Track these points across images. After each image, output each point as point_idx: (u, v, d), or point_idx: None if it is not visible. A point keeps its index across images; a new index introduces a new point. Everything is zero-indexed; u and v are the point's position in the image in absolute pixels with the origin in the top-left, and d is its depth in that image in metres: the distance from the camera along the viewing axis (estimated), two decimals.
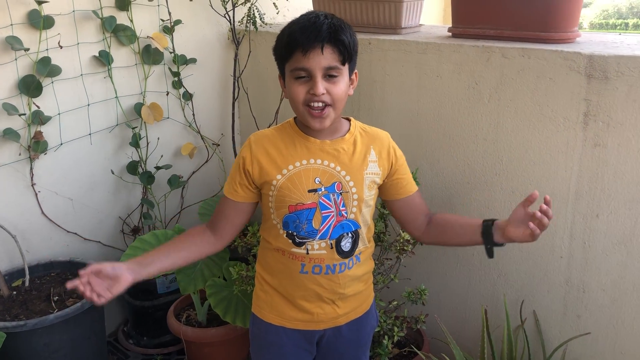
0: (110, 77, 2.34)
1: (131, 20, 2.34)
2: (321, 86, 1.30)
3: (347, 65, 1.34)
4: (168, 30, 2.45)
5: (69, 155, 2.29)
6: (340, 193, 1.40)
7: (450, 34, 2.13)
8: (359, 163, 1.42)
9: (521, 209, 1.36)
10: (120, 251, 2.52)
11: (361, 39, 2.23)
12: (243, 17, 2.55)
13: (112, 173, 2.43)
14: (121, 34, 2.32)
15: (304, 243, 1.42)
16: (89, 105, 2.30)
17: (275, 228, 1.45)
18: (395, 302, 1.98)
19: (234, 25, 2.61)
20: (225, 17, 2.58)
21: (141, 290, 2.38)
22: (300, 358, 1.54)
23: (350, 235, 1.43)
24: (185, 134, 2.67)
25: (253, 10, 2.51)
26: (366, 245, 1.50)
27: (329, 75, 1.32)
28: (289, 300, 1.49)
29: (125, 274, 1.28)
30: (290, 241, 1.43)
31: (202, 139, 2.71)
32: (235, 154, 2.80)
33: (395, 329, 1.98)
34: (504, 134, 1.91)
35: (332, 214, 1.40)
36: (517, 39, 1.91)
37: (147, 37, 2.39)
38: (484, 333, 1.89)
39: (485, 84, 1.92)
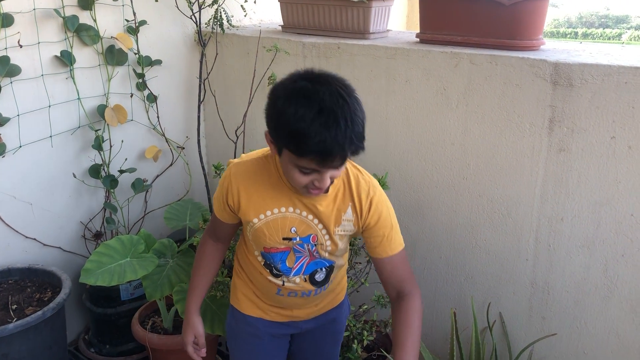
0: (73, 78, 2.27)
1: (94, 20, 2.28)
2: (328, 181, 1.22)
3: None
4: (132, 30, 2.39)
5: (29, 158, 2.21)
6: (315, 244, 1.39)
7: (418, 39, 2.15)
8: (335, 219, 1.36)
9: None
10: (82, 257, 2.45)
11: (330, 43, 2.24)
12: (210, 19, 2.51)
13: (74, 176, 2.35)
14: (84, 33, 2.26)
15: (280, 275, 1.44)
16: (50, 106, 2.23)
17: (254, 255, 1.47)
18: (365, 306, 1.99)
19: (200, 27, 2.57)
20: (191, 18, 2.54)
21: (103, 297, 2.31)
22: (278, 346, 1.58)
23: (324, 269, 1.45)
24: (150, 136, 2.62)
25: (220, 12, 2.48)
26: (340, 266, 1.51)
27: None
28: (267, 303, 1.52)
29: (200, 326, 1.58)
30: (268, 271, 1.45)
31: (167, 142, 2.66)
32: (201, 158, 2.75)
33: (365, 332, 1.98)
34: (472, 139, 1.94)
35: (306, 257, 1.41)
36: (484, 45, 1.95)
37: (111, 37, 2.34)
38: (452, 335, 1.91)
39: (453, 89, 1.95)
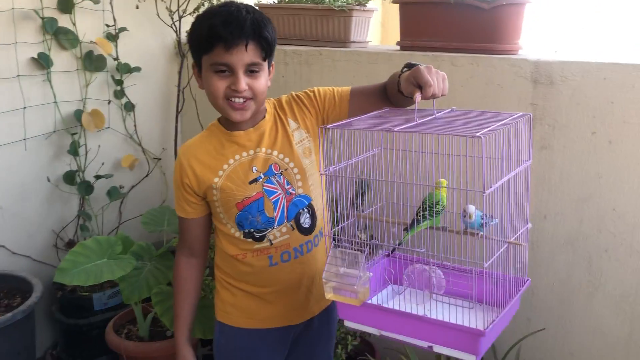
0: (49, 81, 2.23)
1: (74, 24, 2.25)
2: (243, 82, 1.28)
3: (267, 60, 1.34)
4: (112, 37, 2.37)
5: (1, 161, 2.15)
6: (280, 173, 1.38)
7: (398, 47, 2.18)
8: (285, 138, 1.40)
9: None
10: (52, 267, 2.35)
11: (312, 50, 2.26)
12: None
13: (48, 181, 2.28)
14: (63, 37, 2.23)
15: (264, 236, 1.38)
16: (25, 108, 2.18)
17: (230, 234, 1.41)
18: None
19: (179, 36, 2.57)
20: (171, 27, 2.54)
21: (75, 307, 2.22)
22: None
23: (306, 210, 1.41)
24: (126, 146, 2.57)
25: None
26: (322, 217, 1.47)
27: (250, 70, 1.30)
28: (261, 297, 1.43)
29: (190, 356, 1.49)
30: (250, 239, 1.39)
31: (144, 151, 2.62)
32: None
33: (349, 337, 1.94)
34: (454, 141, 1.96)
35: (280, 196, 1.38)
36: (465, 50, 1.98)
37: (91, 42, 2.31)
38: None
39: None
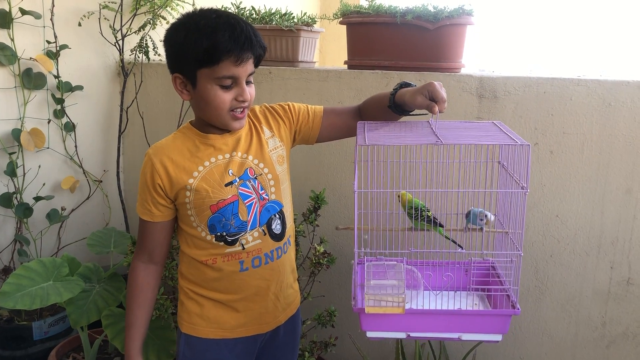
0: None
1: (12, 40, 2.17)
2: (248, 92, 1.30)
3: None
4: (53, 55, 2.30)
5: None
6: (255, 177, 1.38)
7: (346, 67, 2.24)
8: (260, 145, 1.41)
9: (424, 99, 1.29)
10: None
11: (261, 69, 2.27)
12: (135, 47, 2.47)
13: None
14: None
15: (237, 240, 1.36)
16: None
17: (199, 237, 1.37)
18: (308, 322, 1.93)
19: (122, 55, 2.52)
20: (115, 45, 2.49)
21: (12, 337, 2.07)
22: None
23: (277, 216, 1.41)
24: (66, 167, 2.47)
25: (146, 40, 2.46)
26: (291, 224, 1.48)
27: (247, 80, 1.32)
28: (228, 305, 1.40)
29: None
30: (222, 243, 1.36)
31: (85, 174, 2.52)
32: (120, 192, 2.63)
33: (307, 354, 1.92)
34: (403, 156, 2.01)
35: (255, 200, 1.37)
36: (411, 68, 2.06)
37: (30, 58, 2.23)
38: (398, 350, 1.90)
39: None
